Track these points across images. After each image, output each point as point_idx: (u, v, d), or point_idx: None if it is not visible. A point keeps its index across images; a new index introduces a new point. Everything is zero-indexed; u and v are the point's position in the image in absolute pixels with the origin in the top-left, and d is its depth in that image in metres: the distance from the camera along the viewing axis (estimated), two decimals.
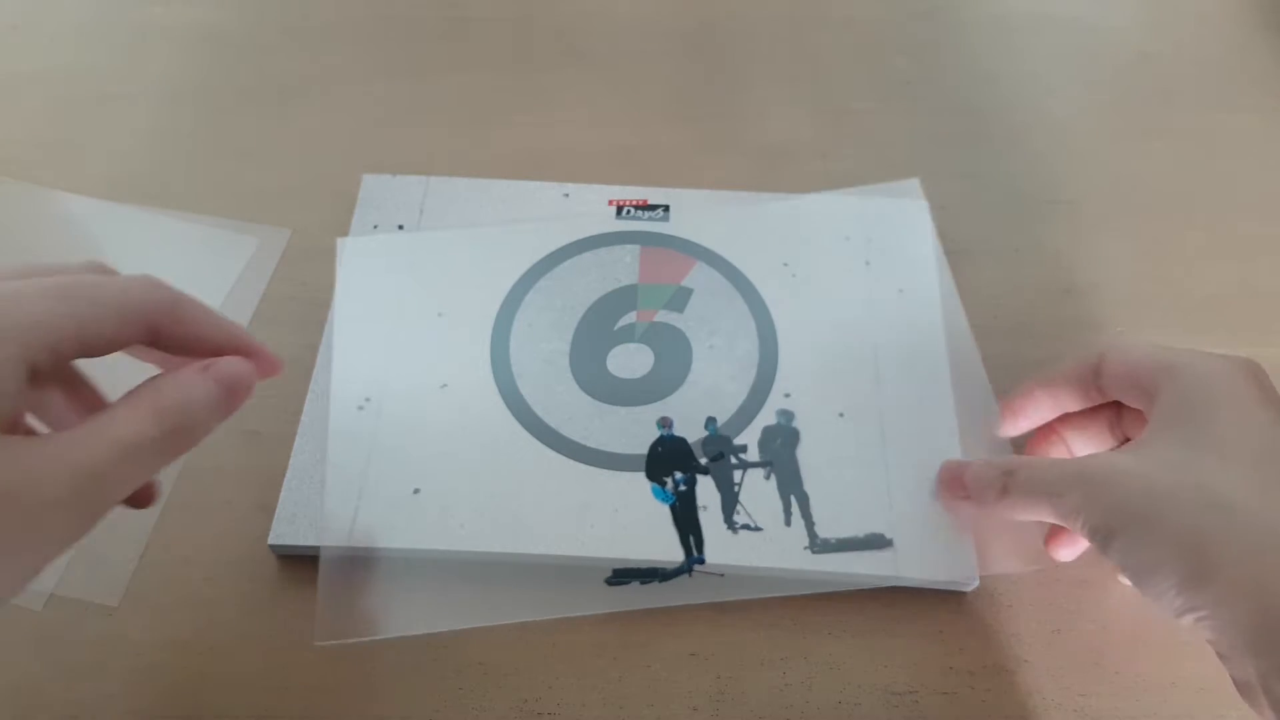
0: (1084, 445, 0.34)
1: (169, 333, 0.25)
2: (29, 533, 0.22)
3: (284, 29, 0.52)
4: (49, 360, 0.23)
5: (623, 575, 0.33)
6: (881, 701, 0.32)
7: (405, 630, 0.32)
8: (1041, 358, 0.36)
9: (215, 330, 0.26)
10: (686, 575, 0.33)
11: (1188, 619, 0.26)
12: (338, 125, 0.48)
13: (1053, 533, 0.34)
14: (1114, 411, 0.34)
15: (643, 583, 0.33)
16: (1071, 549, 0.33)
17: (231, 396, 0.26)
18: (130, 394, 0.24)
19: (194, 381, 0.25)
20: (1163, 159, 0.47)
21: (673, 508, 0.34)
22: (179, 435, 0.24)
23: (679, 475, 0.35)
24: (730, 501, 0.35)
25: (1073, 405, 0.34)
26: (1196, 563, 0.26)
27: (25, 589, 0.22)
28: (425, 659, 0.33)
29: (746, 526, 0.34)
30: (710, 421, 0.36)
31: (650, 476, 0.35)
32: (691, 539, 0.34)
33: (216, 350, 0.26)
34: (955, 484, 0.34)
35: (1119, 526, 0.28)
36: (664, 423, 0.36)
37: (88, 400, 0.27)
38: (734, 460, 0.35)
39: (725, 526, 0.34)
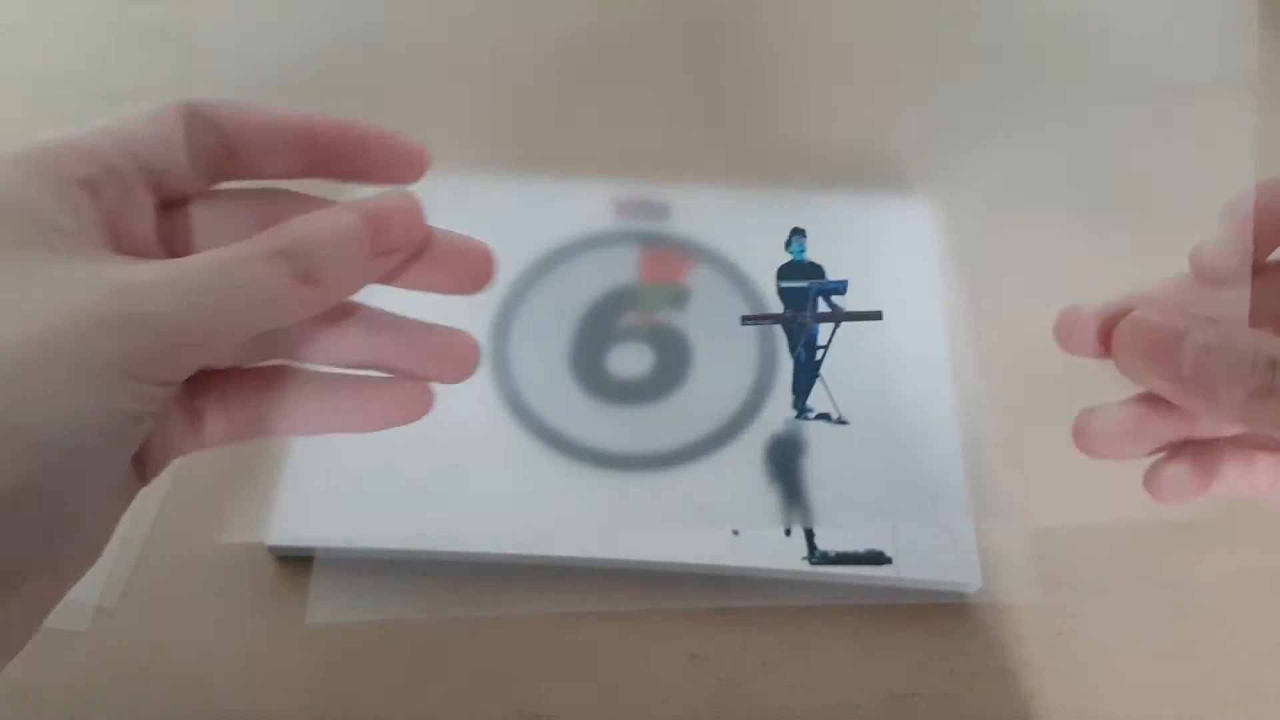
0: None
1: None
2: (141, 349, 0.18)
3: (282, 27, 0.52)
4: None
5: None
6: (883, 703, 0.32)
7: (401, 615, 0.32)
8: (1045, 366, 0.35)
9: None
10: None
11: None
12: None
13: (1208, 459, 0.23)
14: None
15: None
16: (1215, 488, 0.23)
17: (378, 234, 0.22)
18: None
19: (324, 213, 0.22)
20: (1162, 158, 0.46)
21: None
22: (296, 262, 0.21)
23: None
24: (807, 383, 0.30)
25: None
26: None
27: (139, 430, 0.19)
28: (424, 661, 0.32)
29: (824, 416, 0.31)
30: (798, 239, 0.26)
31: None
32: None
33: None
34: (1166, 358, 0.22)
35: None
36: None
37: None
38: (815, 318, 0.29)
39: (794, 414, 0.31)
